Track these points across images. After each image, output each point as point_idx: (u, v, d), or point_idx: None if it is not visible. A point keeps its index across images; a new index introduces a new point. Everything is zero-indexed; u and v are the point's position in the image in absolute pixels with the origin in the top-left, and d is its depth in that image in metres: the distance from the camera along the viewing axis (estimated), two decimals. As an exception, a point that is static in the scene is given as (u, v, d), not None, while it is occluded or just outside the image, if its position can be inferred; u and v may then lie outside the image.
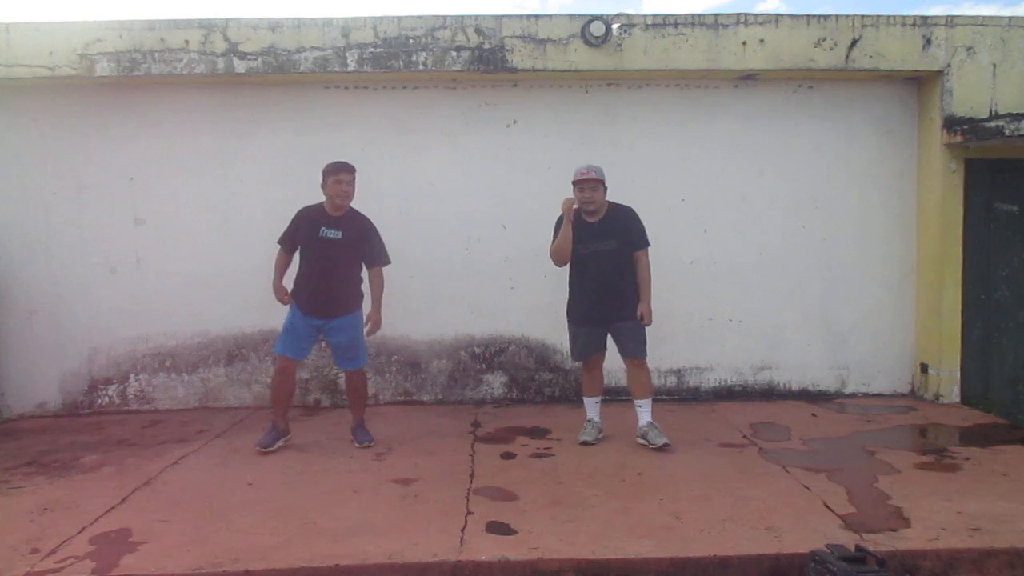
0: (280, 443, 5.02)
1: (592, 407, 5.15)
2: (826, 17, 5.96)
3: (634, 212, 4.98)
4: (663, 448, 4.81)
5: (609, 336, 5.00)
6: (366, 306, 5.07)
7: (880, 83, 6.30)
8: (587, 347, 5.02)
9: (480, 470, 4.56)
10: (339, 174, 4.86)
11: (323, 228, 4.90)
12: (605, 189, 4.91)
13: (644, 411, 4.98)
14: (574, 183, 4.89)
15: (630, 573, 3.31)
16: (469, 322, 6.32)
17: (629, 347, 4.93)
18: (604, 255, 4.86)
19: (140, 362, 6.26)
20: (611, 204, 4.95)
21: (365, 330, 5.04)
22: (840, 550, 3.19)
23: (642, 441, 4.95)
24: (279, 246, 5.03)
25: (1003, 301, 6.27)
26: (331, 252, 4.91)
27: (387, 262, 5.09)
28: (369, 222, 5.06)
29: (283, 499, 4.10)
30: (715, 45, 5.91)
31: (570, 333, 5.11)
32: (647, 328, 4.93)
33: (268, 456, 4.88)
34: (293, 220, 5.03)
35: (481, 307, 6.31)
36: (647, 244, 4.97)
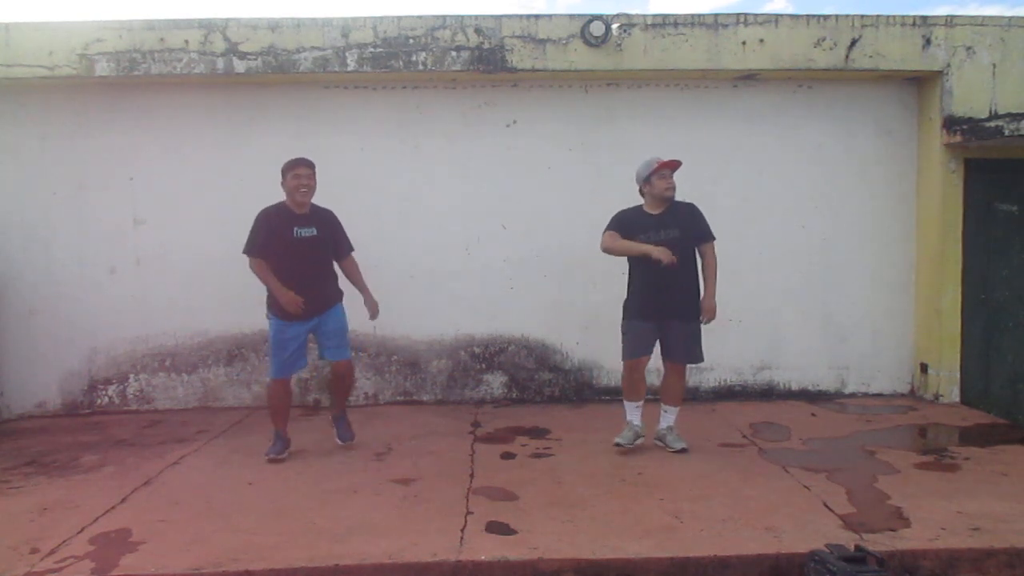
0: (287, 451, 4.89)
1: (634, 411, 4.85)
2: (826, 17, 5.97)
3: (697, 207, 4.84)
4: (680, 452, 4.78)
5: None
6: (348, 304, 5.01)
7: (880, 83, 6.30)
8: (642, 343, 4.74)
9: (480, 470, 4.56)
10: (297, 168, 4.70)
11: (296, 228, 4.75)
12: None
13: (670, 416, 4.89)
14: (656, 170, 4.66)
15: (630, 573, 3.31)
16: (469, 322, 6.31)
17: (679, 351, 4.75)
18: (669, 244, 4.60)
19: (140, 362, 6.26)
20: (673, 200, 4.81)
21: (369, 315, 5.04)
22: (840, 550, 3.19)
23: (659, 443, 4.92)
24: (248, 256, 4.77)
25: (1003, 301, 6.27)
26: (309, 250, 4.78)
27: (352, 248, 5.05)
28: (332, 213, 4.97)
29: (283, 499, 4.10)
30: (715, 45, 5.91)
31: (623, 330, 4.83)
32: (706, 327, 4.73)
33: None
34: (257, 225, 4.78)
35: (481, 307, 6.31)
36: (713, 237, 4.79)
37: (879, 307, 6.41)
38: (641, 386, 4.85)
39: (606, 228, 4.84)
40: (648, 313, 4.71)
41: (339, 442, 5.07)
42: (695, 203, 4.85)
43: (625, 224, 4.78)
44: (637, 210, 4.84)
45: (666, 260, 4.53)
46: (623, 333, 4.84)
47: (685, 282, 4.72)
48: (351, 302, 5.05)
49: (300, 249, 4.76)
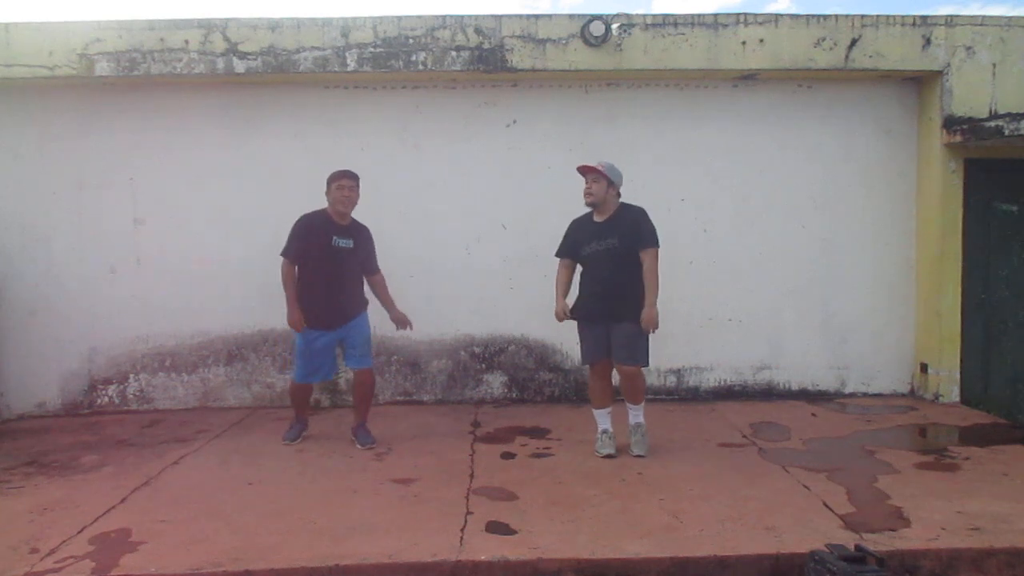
0: (303, 435, 5.24)
1: (603, 418, 4.87)
2: (826, 17, 5.97)
3: (644, 212, 4.77)
4: (637, 457, 4.73)
5: None
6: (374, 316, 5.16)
7: (880, 83, 6.30)
8: (591, 349, 4.81)
9: (480, 470, 4.56)
10: (341, 180, 4.88)
11: (335, 237, 4.90)
12: (611, 185, 4.70)
13: (635, 412, 4.84)
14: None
15: (630, 573, 3.31)
16: (469, 322, 6.32)
17: (619, 353, 4.68)
18: (604, 254, 4.68)
19: (140, 362, 6.26)
20: (622, 204, 4.79)
21: (398, 327, 5.23)
22: (840, 550, 3.19)
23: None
24: (284, 258, 4.92)
25: (1003, 301, 6.26)
26: (343, 261, 4.93)
27: (378, 269, 5.22)
28: (368, 230, 5.14)
29: (283, 499, 4.10)
30: (715, 45, 5.91)
31: (579, 335, 4.92)
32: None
33: (268, 456, 4.88)
34: (297, 230, 4.92)
35: (481, 307, 6.31)
36: (653, 244, 4.65)
37: (879, 307, 6.41)
38: (606, 392, 4.88)
39: (561, 243, 4.95)
40: (591, 316, 4.78)
41: (359, 446, 5.05)
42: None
43: (575, 235, 4.88)
44: (587, 217, 4.87)
45: (557, 316, 4.84)
46: (580, 338, 4.92)
47: (624, 287, 4.66)
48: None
49: (335, 259, 4.91)
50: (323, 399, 6.30)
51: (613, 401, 4.93)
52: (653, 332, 4.68)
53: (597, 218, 4.79)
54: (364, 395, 5.16)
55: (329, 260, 4.89)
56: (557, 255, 4.97)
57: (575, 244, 4.85)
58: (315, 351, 4.98)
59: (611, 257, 4.69)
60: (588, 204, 4.80)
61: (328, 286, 4.90)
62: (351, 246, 4.94)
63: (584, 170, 4.77)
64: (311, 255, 4.90)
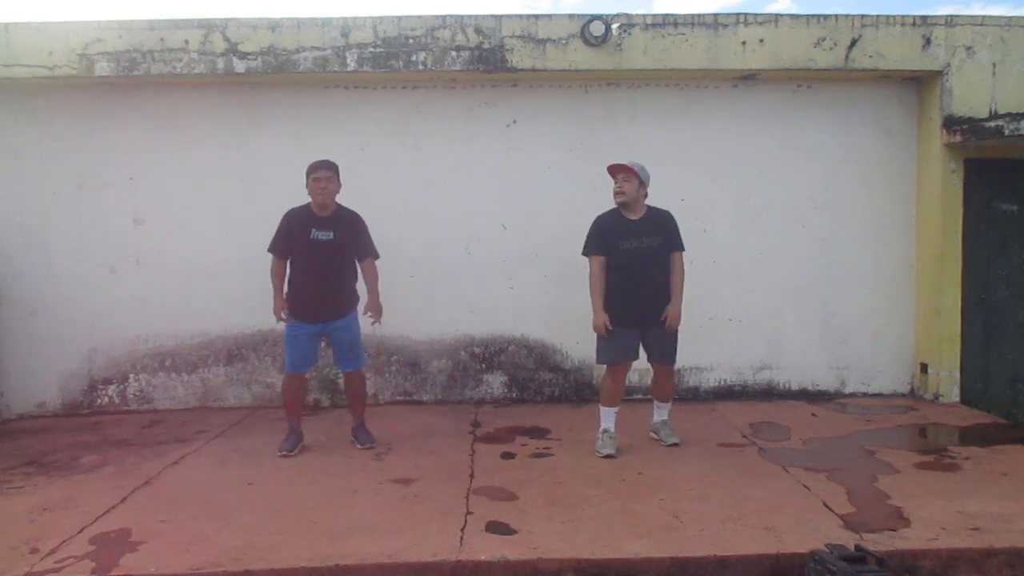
0: (300, 446, 5.00)
1: (610, 417, 4.87)
2: (826, 17, 5.97)
3: (672, 215, 4.89)
4: (672, 446, 4.91)
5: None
6: (362, 307, 5.05)
7: (880, 83, 6.30)
8: (620, 349, 4.75)
9: (480, 470, 4.56)
10: (316, 172, 4.76)
11: (313, 230, 4.79)
12: (642, 185, 4.74)
13: (663, 411, 5.08)
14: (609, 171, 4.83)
15: (630, 573, 3.31)
16: (469, 322, 6.31)
17: (665, 353, 4.85)
18: (649, 251, 4.70)
19: (140, 362, 6.26)
20: (649, 207, 4.84)
21: (369, 320, 5.00)
22: (840, 550, 3.19)
23: (654, 436, 5.08)
24: (271, 255, 4.90)
25: (1003, 301, 6.27)
26: (324, 254, 4.82)
27: (376, 256, 5.05)
28: (358, 217, 4.98)
29: (283, 499, 4.10)
30: (715, 45, 5.91)
31: (601, 335, 4.82)
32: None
33: (268, 456, 4.88)
34: (281, 224, 4.90)
35: (481, 307, 6.30)
36: (683, 248, 4.88)
37: (879, 307, 6.41)
38: (621, 391, 4.92)
39: (588, 242, 4.84)
40: (632, 319, 4.74)
41: (359, 446, 5.05)
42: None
43: (606, 233, 4.79)
44: (615, 214, 4.83)
45: (598, 329, 4.73)
46: (606, 338, 4.79)
47: (664, 287, 4.77)
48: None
49: (315, 251, 4.81)
50: (323, 399, 6.31)
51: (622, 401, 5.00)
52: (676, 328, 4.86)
53: (630, 216, 4.78)
54: (357, 396, 5.15)
55: (310, 253, 4.81)
56: (590, 253, 4.82)
57: (609, 241, 4.76)
58: (298, 337, 4.88)
59: (652, 256, 4.74)
60: (619, 203, 4.79)
61: (311, 279, 4.83)
62: (331, 238, 4.79)
63: (615, 169, 4.76)
64: (295, 249, 4.85)
